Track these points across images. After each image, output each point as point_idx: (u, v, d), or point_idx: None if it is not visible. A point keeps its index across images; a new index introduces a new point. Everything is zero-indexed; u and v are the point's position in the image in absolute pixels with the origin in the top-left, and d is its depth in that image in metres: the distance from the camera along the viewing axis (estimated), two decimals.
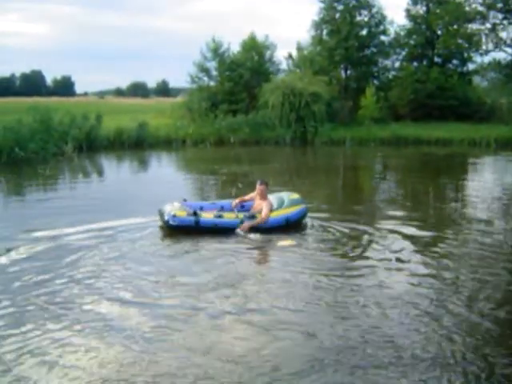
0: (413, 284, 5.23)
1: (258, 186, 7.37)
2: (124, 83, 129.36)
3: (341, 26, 25.69)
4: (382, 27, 27.04)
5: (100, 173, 14.34)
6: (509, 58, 25.21)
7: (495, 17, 24.94)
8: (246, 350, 3.84)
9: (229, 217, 7.04)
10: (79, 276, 5.28)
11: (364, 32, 26.74)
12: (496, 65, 25.72)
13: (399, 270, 5.69)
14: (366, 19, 26.75)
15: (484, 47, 25.51)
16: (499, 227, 8.00)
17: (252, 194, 7.57)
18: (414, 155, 19.31)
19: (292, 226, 7.18)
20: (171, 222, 6.79)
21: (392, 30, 27.60)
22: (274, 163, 16.62)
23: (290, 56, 27.90)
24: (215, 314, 4.42)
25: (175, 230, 6.85)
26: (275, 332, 4.10)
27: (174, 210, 6.91)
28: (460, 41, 25.93)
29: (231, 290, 4.97)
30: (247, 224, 6.92)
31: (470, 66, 27.84)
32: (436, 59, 28.06)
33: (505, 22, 24.82)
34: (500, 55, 27.10)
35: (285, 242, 6.62)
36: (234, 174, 13.16)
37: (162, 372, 3.53)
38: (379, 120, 23.59)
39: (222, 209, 7.36)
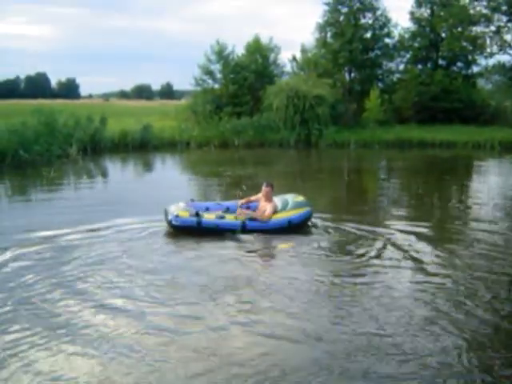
0: (418, 286, 5.20)
1: (264, 188, 7.41)
2: (128, 86, 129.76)
3: (345, 29, 25.75)
4: (386, 30, 27.10)
5: (104, 175, 14.36)
6: None
7: (500, 19, 24.96)
8: (252, 354, 3.81)
9: (230, 218, 7.09)
10: (79, 276, 5.28)
11: (368, 34, 26.78)
12: (500, 67, 25.72)
13: (405, 271, 5.67)
14: (370, 22, 26.82)
15: (488, 50, 25.51)
16: (504, 228, 7.98)
17: (258, 196, 7.60)
18: (419, 158, 19.26)
19: (296, 228, 7.16)
20: (174, 222, 6.89)
21: (396, 33, 27.74)
22: (279, 166, 16.61)
23: (294, 58, 27.96)
24: (218, 318, 4.39)
25: (178, 231, 6.91)
26: (281, 336, 4.08)
27: (178, 210, 6.99)
28: (464, 43, 25.88)
29: (234, 293, 4.93)
30: (246, 211, 7.12)
31: (475, 69, 27.87)
32: (440, 62, 28.09)
33: (509, 24, 24.83)
34: (504, 58, 27.02)
35: (285, 244, 6.69)
36: (238, 176, 13.16)
37: (168, 378, 3.51)
38: (383, 122, 23.62)
39: (228, 210, 7.40)
